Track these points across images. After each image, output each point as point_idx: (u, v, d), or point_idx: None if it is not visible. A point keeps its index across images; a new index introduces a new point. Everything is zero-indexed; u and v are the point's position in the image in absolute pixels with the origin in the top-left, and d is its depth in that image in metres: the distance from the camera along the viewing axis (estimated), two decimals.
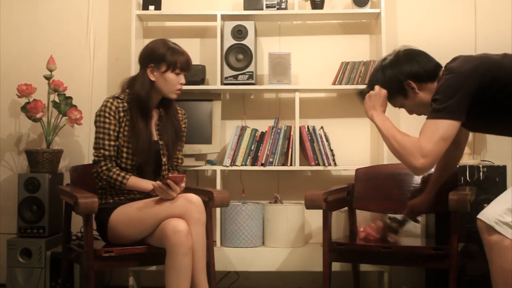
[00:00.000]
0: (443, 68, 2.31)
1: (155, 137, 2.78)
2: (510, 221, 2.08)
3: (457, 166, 2.85)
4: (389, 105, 2.42)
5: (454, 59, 2.26)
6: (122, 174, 2.66)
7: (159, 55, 2.70)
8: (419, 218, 2.83)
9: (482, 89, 2.14)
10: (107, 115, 2.67)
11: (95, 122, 2.70)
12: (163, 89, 2.73)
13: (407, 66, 2.30)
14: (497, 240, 2.09)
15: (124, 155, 2.70)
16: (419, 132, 2.18)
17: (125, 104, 2.72)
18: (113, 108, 2.68)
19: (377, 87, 2.33)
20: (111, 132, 2.67)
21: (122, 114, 2.70)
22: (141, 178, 2.71)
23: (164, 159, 2.78)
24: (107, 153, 2.66)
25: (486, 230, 2.11)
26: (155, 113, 2.81)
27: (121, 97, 2.73)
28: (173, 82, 2.72)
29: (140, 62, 2.77)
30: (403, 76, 2.29)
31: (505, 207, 2.10)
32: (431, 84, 2.29)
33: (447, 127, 2.13)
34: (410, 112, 2.42)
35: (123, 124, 2.70)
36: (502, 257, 2.08)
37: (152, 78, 2.71)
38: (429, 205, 2.74)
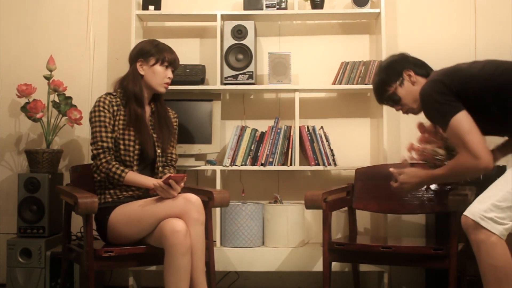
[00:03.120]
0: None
1: (149, 131, 2.83)
2: (494, 216, 2.09)
3: None
4: (389, 108, 2.44)
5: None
6: (121, 168, 2.69)
7: (148, 50, 2.83)
8: None
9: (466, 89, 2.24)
10: (101, 109, 2.74)
11: (90, 119, 2.76)
12: (152, 82, 2.81)
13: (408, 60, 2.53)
14: (484, 237, 2.10)
15: (122, 147, 2.73)
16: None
17: (118, 100, 2.80)
18: (107, 102, 2.76)
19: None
20: (107, 124, 2.73)
21: (115, 108, 2.77)
22: (140, 169, 2.76)
23: (159, 151, 2.82)
24: (105, 144, 2.70)
25: (472, 229, 2.12)
26: (147, 108, 2.87)
27: (113, 94, 2.82)
28: (161, 75, 2.82)
29: (130, 61, 2.88)
30: (403, 65, 2.49)
31: (489, 202, 2.12)
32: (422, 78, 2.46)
33: (458, 123, 2.20)
34: (404, 109, 2.51)
35: (117, 118, 2.76)
36: (491, 254, 2.09)
37: (142, 72, 2.82)
38: None
